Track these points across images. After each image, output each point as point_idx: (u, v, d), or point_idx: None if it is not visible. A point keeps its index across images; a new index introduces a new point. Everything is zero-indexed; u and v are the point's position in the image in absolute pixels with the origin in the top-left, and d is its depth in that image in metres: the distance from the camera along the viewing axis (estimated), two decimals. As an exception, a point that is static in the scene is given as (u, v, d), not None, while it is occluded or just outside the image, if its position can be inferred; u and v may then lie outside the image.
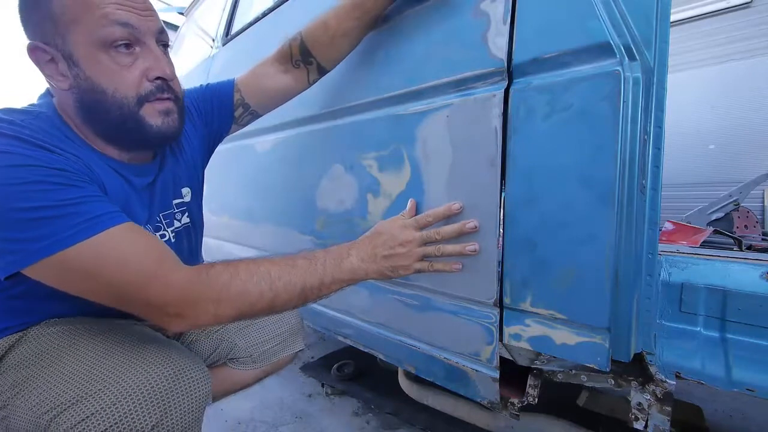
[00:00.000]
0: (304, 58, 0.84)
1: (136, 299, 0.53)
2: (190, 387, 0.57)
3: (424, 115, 0.81)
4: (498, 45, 0.71)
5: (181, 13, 2.95)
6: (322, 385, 1.52)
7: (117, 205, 0.58)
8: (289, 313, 0.92)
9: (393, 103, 0.88)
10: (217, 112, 0.85)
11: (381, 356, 1.06)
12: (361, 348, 1.09)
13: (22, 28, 0.57)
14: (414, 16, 0.83)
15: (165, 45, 0.63)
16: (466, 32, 0.74)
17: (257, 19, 1.43)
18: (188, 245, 0.80)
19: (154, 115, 0.61)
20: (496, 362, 0.77)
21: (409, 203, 0.79)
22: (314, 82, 0.91)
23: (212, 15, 2.10)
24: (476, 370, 0.80)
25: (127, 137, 0.62)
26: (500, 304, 0.75)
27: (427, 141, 0.81)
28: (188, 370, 0.58)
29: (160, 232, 0.71)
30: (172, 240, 0.74)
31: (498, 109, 0.71)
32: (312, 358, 1.79)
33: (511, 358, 0.78)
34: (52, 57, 0.56)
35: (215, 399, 0.88)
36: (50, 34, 0.55)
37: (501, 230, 0.72)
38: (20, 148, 0.50)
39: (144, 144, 0.65)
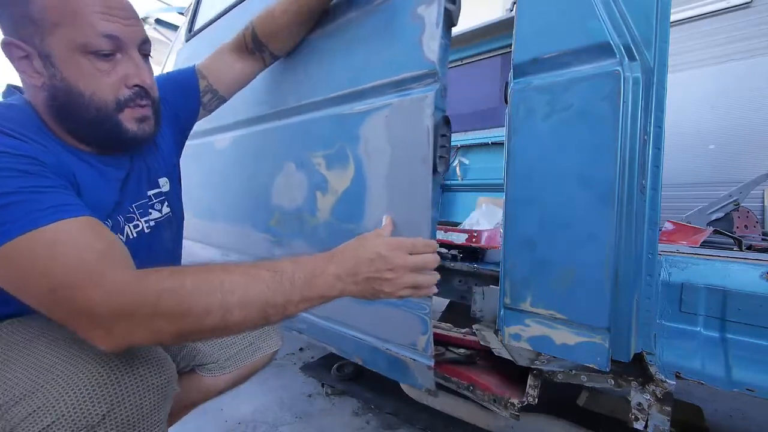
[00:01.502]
0: (256, 46, 0.89)
1: (65, 300, 0.46)
2: (144, 375, 0.54)
3: (366, 114, 0.84)
4: (431, 48, 0.72)
5: (181, 13, 2.95)
6: (322, 385, 1.52)
7: (88, 194, 0.57)
8: None
9: (339, 102, 0.90)
10: (183, 100, 0.85)
11: (334, 350, 1.08)
12: (316, 342, 1.11)
13: None
14: (359, 18, 0.85)
15: (146, 55, 0.63)
16: (404, 35, 0.77)
17: (218, 17, 1.44)
18: (171, 236, 0.78)
19: (130, 121, 0.61)
20: (430, 351, 0.79)
21: (386, 220, 0.73)
22: (271, 64, 0.98)
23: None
24: (414, 359, 0.83)
25: (102, 138, 0.61)
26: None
27: (369, 139, 0.83)
28: (141, 358, 0.54)
29: (133, 223, 0.69)
30: (146, 231, 0.71)
31: (430, 110, 0.72)
32: (312, 358, 1.79)
33: (511, 359, 0.78)
34: (27, 54, 0.55)
35: (188, 408, 0.84)
36: (27, 33, 0.54)
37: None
38: None
39: (117, 146, 0.65)
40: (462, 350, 0.97)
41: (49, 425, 0.48)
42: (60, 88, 0.55)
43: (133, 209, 0.69)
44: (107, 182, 0.64)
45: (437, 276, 0.64)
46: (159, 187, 0.76)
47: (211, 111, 0.93)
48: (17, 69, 0.56)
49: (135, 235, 0.68)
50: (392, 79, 0.79)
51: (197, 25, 1.76)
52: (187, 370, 0.82)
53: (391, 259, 0.58)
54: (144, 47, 0.61)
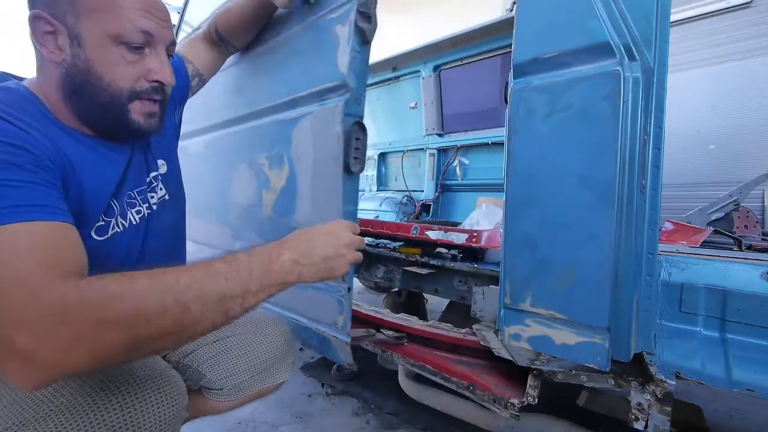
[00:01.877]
0: (218, 38, 0.97)
1: (11, 302, 0.38)
2: (155, 404, 0.52)
3: (296, 121, 0.96)
4: (343, 62, 0.83)
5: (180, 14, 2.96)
6: (322, 385, 1.52)
7: (88, 178, 0.56)
8: (273, 336, 0.80)
9: (277, 110, 1.03)
10: (178, 84, 0.84)
11: None
12: None
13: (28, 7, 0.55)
14: (295, 34, 0.97)
15: (170, 56, 0.65)
16: (325, 51, 0.88)
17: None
18: (171, 218, 0.77)
19: (138, 113, 0.61)
20: (348, 329, 0.89)
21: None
22: (232, 54, 1.06)
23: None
24: (335, 337, 0.92)
25: (107, 124, 0.61)
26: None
27: (298, 143, 0.96)
28: (152, 384, 0.52)
29: (136, 208, 0.68)
30: (146, 215, 0.70)
31: (340, 117, 0.83)
32: (312, 358, 1.79)
33: (511, 359, 0.78)
34: (54, 30, 0.55)
35: (189, 419, 0.80)
36: (62, 11, 0.54)
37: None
38: None
39: (120, 134, 0.64)
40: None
41: None
42: (81, 68, 0.56)
43: (134, 194, 0.68)
44: (109, 165, 0.63)
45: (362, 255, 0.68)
46: (157, 169, 0.75)
47: (193, 94, 0.98)
48: (37, 42, 0.55)
49: (137, 220, 0.67)
50: (316, 89, 0.91)
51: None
52: (193, 389, 0.78)
53: (342, 237, 0.61)
54: (170, 48, 0.64)
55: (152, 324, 0.42)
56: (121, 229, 0.64)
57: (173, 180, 0.80)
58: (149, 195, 0.72)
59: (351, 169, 0.85)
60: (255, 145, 1.11)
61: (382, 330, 1.10)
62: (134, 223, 0.66)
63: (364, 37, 0.86)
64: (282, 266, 0.54)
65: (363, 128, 0.87)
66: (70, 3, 0.54)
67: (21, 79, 0.62)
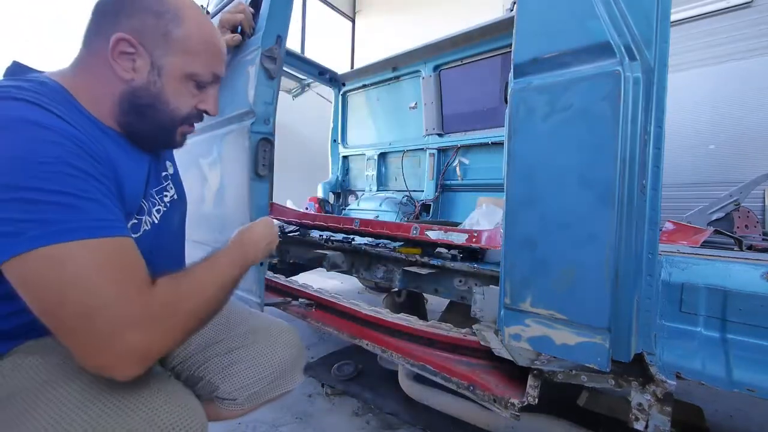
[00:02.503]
0: None
1: (97, 333, 0.45)
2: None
3: (225, 135, 1.29)
4: (250, 94, 1.18)
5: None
6: (322, 385, 1.52)
7: (128, 179, 0.60)
8: (284, 345, 0.82)
9: (216, 127, 1.35)
10: None
11: None
12: None
13: (110, 12, 0.59)
14: (232, 65, 1.27)
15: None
16: (242, 84, 1.20)
17: None
18: (177, 219, 0.79)
19: (180, 134, 0.70)
20: (261, 294, 1.22)
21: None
22: None
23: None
24: (251, 299, 1.21)
25: (153, 138, 0.67)
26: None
27: (226, 152, 1.29)
28: (179, 423, 0.53)
29: (156, 207, 0.71)
30: (163, 214, 0.72)
31: (248, 134, 1.18)
32: (312, 358, 1.79)
33: (511, 359, 0.78)
34: (135, 54, 0.59)
35: None
36: (153, 43, 0.60)
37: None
38: (40, 116, 0.47)
39: (154, 147, 0.71)
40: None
41: None
42: (152, 92, 0.62)
43: (154, 193, 0.72)
44: (138, 165, 0.67)
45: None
46: (167, 170, 0.80)
47: None
48: (112, 59, 0.59)
49: (158, 218, 0.70)
50: (236, 113, 1.24)
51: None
52: (206, 397, 0.78)
53: (273, 229, 0.82)
54: (219, 79, 0.73)
55: (210, 310, 0.58)
56: (149, 227, 0.67)
57: (177, 180, 0.84)
58: (164, 194, 0.75)
59: (259, 173, 1.22)
60: (201, 152, 1.42)
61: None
62: (155, 221, 0.70)
63: (269, 74, 1.21)
64: (246, 255, 0.70)
65: (269, 142, 1.25)
66: (164, 40, 0.61)
67: (33, 70, 0.62)
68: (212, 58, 0.67)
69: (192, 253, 1.05)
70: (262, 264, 1.22)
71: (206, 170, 1.44)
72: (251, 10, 1.25)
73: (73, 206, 0.45)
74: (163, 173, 0.77)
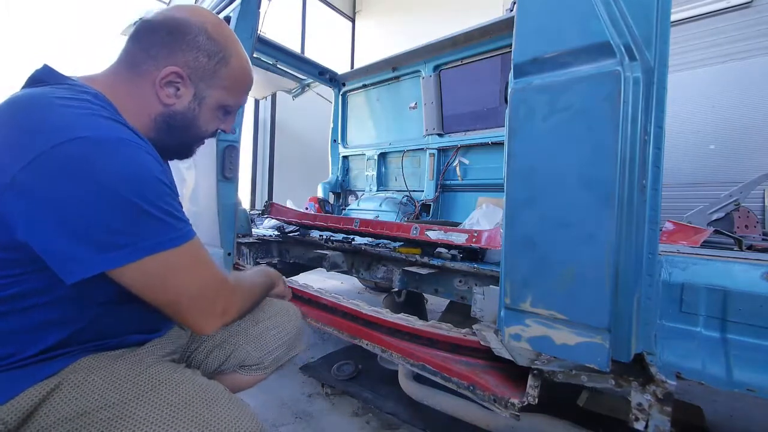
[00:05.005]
0: None
1: (200, 301, 0.60)
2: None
3: None
4: None
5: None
6: (322, 385, 1.52)
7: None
8: (294, 317, 0.98)
9: None
10: None
11: None
12: None
13: (167, 43, 0.65)
14: None
15: None
16: None
17: None
18: None
19: (197, 147, 0.80)
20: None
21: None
22: None
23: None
24: None
25: (172, 151, 0.75)
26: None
27: (197, 159, 1.33)
28: (246, 415, 0.63)
29: None
30: None
31: (214, 144, 1.42)
32: (312, 358, 1.79)
33: (511, 359, 0.78)
34: (180, 84, 0.67)
35: None
36: (199, 77, 0.68)
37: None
38: (131, 136, 0.55)
39: (173, 158, 0.79)
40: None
41: None
42: (189, 117, 0.70)
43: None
44: (168, 172, 0.74)
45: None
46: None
47: None
48: (159, 85, 0.66)
49: None
50: None
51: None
52: (228, 371, 0.91)
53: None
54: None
55: (256, 299, 0.83)
56: None
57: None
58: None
59: (226, 176, 1.45)
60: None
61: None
62: None
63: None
64: (271, 280, 0.93)
65: (235, 149, 1.48)
66: (210, 77, 0.69)
67: (63, 75, 0.63)
68: (244, 93, 0.78)
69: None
70: (230, 254, 1.49)
71: (184, 173, 1.68)
72: None
73: (172, 217, 0.57)
74: None
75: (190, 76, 0.67)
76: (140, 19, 0.69)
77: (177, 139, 0.72)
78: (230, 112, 0.78)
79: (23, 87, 0.61)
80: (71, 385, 0.57)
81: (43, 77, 0.61)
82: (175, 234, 0.56)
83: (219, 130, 0.79)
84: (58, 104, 0.53)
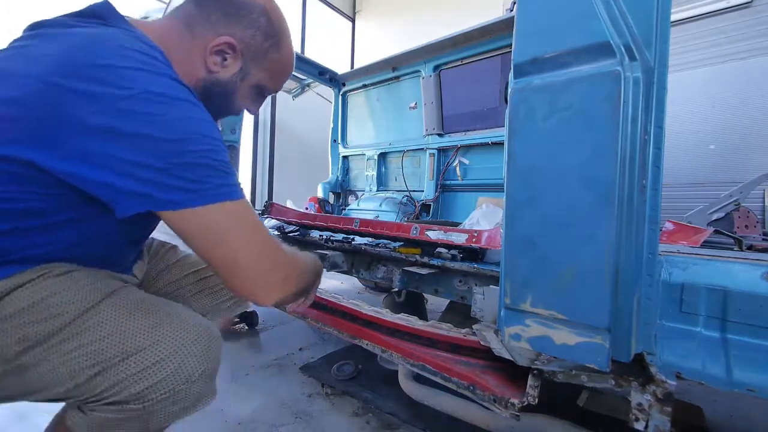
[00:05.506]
0: None
1: (262, 263, 0.60)
2: (217, 337, 0.64)
3: None
4: None
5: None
6: (322, 385, 1.52)
7: None
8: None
9: None
10: None
11: None
12: None
13: (228, 13, 0.67)
14: None
15: None
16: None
17: None
18: None
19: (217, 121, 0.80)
20: None
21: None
22: None
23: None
24: None
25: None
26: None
27: None
28: (210, 324, 0.65)
29: None
30: None
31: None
32: (312, 358, 1.79)
33: (511, 359, 0.78)
34: (232, 58, 0.69)
35: None
36: (251, 55, 0.70)
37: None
38: (190, 96, 0.57)
39: None
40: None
41: (159, 381, 0.56)
42: (228, 89, 0.71)
43: None
44: None
45: None
46: None
47: None
48: (211, 51, 0.67)
49: None
50: None
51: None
52: None
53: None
54: None
55: (309, 285, 0.80)
56: None
57: None
58: None
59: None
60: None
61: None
62: None
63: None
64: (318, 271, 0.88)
65: (234, 149, 1.54)
66: (261, 57, 0.71)
67: (121, 15, 0.63)
68: (283, 80, 0.80)
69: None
70: None
71: None
72: None
73: (232, 175, 0.58)
74: None
75: (242, 51, 0.69)
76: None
77: (212, 106, 0.69)
78: (264, 95, 0.79)
79: (80, 17, 0.60)
80: (46, 281, 0.57)
81: (103, 14, 0.61)
82: (235, 189, 0.58)
83: (246, 110, 0.81)
84: (134, 58, 0.54)
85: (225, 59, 0.68)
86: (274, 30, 0.71)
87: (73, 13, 0.61)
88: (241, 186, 0.60)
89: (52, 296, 0.56)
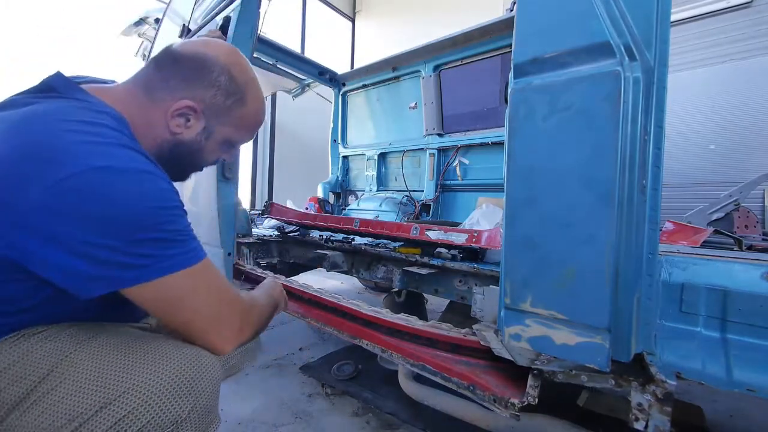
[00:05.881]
0: None
1: (217, 323, 0.62)
2: (209, 369, 0.60)
3: None
4: None
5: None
6: (322, 385, 1.52)
7: None
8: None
9: None
10: None
11: None
12: None
13: (187, 77, 0.66)
14: None
15: None
16: None
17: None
18: None
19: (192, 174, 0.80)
20: (229, 279, 1.38)
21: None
22: None
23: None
24: None
25: (171, 174, 0.71)
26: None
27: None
28: (201, 354, 0.61)
29: None
30: None
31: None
32: (312, 358, 1.79)
33: (511, 359, 0.78)
34: (195, 119, 0.68)
35: None
36: (213, 114, 0.69)
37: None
38: (147, 165, 0.56)
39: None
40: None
41: (140, 429, 0.51)
42: (193, 148, 0.71)
43: None
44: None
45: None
46: None
47: None
48: (172, 115, 0.66)
49: None
50: None
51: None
52: None
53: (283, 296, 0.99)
54: None
55: (268, 320, 0.80)
56: None
57: None
58: None
59: (226, 176, 1.45)
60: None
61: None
62: None
63: None
64: (276, 300, 0.90)
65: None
66: (224, 114, 0.70)
67: (75, 83, 0.62)
68: (252, 131, 0.79)
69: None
70: (230, 254, 1.50)
71: None
72: (221, 35, 1.46)
73: (187, 240, 0.58)
74: None
75: (203, 111, 0.68)
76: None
77: (177, 165, 0.72)
78: (234, 146, 0.79)
79: (32, 93, 0.60)
80: (12, 344, 0.56)
81: (56, 86, 0.60)
82: (190, 255, 0.58)
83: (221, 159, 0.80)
84: (76, 130, 0.53)
85: (188, 120, 0.68)
86: (236, 87, 0.70)
87: (29, 89, 0.60)
88: (196, 245, 0.60)
89: (27, 356, 0.54)
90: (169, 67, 0.66)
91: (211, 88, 0.67)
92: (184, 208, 0.61)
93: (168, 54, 0.68)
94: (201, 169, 0.79)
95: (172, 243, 0.56)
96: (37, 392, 0.53)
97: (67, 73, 0.64)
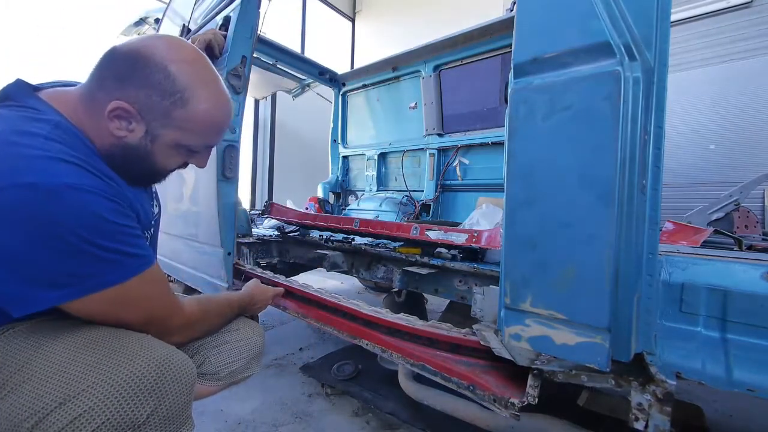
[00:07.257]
0: None
1: (154, 328, 0.65)
2: (178, 372, 0.58)
3: None
4: None
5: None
6: (322, 385, 1.52)
7: (143, 215, 0.70)
8: (258, 336, 0.96)
9: None
10: None
11: (190, 284, 1.76)
12: (188, 284, 1.79)
13: (119, 76, 0.62)
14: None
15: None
16: None
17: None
18: (157, 227, 0.88)
19: (162, 179, 0.77)
20: (229, 279, 1.49)
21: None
22: None
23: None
24: (221, 285, 1.50)
25: (136, 179, 0.71)
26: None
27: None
28: (172, 356, 0.60)
29: (151, 221, 0.80)
30: (152, 232, 0.81)
31: (221, 146, 1.43)
32: (312, 358, 1.79)
33: (511, 359, 0.78)
34: (131, 119, 0.63)
35: None
36: (152, 116, 0.63)
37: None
38: (88, 180, 0.55)
39: (142, 185, 0.76)
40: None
41: (95, 429, 0.50)
42: (141, 153, 0.66)
43: (150, 217, 0.80)
44: (141, 193, 0.75)
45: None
46: (154, 189, 0.88)
47: None
48: (109, 116, 0.62)
49: (152, 231, 0.81)
50: None
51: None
52: None
53: (269, 300, 1.10)
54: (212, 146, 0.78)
55: (215, 325, 0.86)
56: (148, 239, 0.77)
57: (157, 196, 0.92)
58: (153, 209, 0.84)
59: (226, 175, 1.45)
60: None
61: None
62: (151, 233, 0.80)
63: (235, 90, 1.43)
64: (247, 306, 0.98)
65: (235, 149, 1.48)
66: (163, 116, 0.64)
67: (34, 93, 0.63)
68: (209, 135, 0.71)
69: (171, 245, 1.49)
70: (230, 254, 1.50)
71: (182, 173, 1.66)
72: (222, 33, 1.48)
73: (119, 254, 0.57)
74: (153, 192, 0.87)
75: (140, 112, 0.63)
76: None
77: (133, 170, 0.68)
78: (196, 151, 0.72)
79: None
80: None
81: (12, 94, 0.60)
82: (121, 272, 0.58)
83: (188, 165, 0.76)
84: (11, 141, 0.52)
85: (130, 122, 0.63)
86: (175, 86, 0.63)
87: None
88: (130, 255, 0.59)
89: (7, 346, 0.57)
90: (105, 66, 0.63)
91: (144, 87, 0.62)
92: (121, 215, 0.58)
93: (108, 52, 0.63)
94: (164, 176, 0.74)
95: (99, 260, 0.55)
96: (12, 382, 0.53)
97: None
